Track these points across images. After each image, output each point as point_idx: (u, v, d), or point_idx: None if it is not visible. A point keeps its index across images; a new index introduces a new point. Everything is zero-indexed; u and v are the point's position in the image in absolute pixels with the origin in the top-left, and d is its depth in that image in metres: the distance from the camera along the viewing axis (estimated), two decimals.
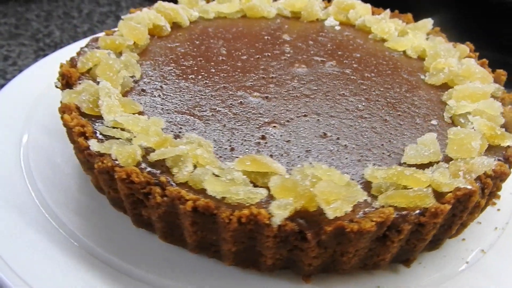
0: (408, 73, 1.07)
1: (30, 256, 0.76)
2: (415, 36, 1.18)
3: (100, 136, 0.80)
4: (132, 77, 0.97)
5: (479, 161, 0.76)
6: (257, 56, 1.09)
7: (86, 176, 0.91)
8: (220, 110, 0.90)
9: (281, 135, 0.85)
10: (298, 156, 0.81)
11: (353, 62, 1.09)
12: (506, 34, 1.54)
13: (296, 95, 0.96)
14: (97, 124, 0.83)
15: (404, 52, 1.16)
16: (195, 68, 1.03)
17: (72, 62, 1.00)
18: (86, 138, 0.80)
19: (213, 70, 1.02)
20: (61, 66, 0.97)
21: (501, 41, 1.49)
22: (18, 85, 1.14)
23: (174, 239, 0.79)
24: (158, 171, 0.74)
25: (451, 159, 0.80)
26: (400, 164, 0.80)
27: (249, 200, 0.68)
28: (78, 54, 1.04)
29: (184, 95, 0.94)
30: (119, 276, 0.76)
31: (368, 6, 1.31)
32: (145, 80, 0.98)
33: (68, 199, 0.88)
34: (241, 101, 0.93)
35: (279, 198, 0.68)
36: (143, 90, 0.95)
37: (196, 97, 0.93)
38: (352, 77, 1.04)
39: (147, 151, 0.76)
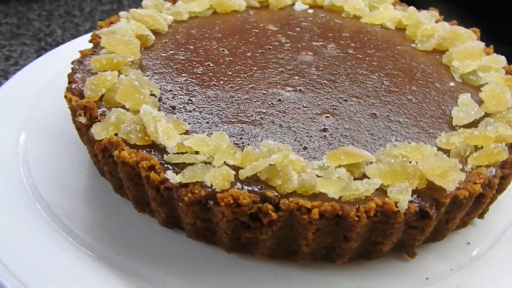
0: (399, 44, 1.13)
1: (28, 257, 0.74)
2: (386, 9, 1.24)
3: (168, 166, 0.72)
4: (152, 95, 0.87)
5: None
6: (260, 50, 1.05)
7: (87, 175, 0.91)
8: (266, 111, 0.87)
9: (339, 124, 0.85)
10: (367, 141, 0.81)
11: (349, 41, 1.11)
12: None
13: (325, 83, 0.96)
14: (154, 153, 0.74)
15: (382, 25, 1.21)
16: (210, 74, 0.96)
17: (73, 92, 0.87)
18: (155, 172, 0.70)
19: (230, 73, 0.97)
20: (69, 99, 0.83)
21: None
22: (17, 82, 1.11)
23: (283, 253, 0.75)
24: (257, 187, 0.69)
25: (488, 115, 0.88)
26: (454, 127, 0.85)
27: (366, 193, 0.68)
28: (71, 81, 0.90)
29: (219, 104, 0.88)
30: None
31: None
32: (167, 96, 0.89)
33: (69, 199, 0.86)
34: (279, 99, 0.90)
35: (392, 183, 0.69)
36: (173, 107, 0.86)
37: (233, 104, 0.88)
38: (359, 55, 1.06)
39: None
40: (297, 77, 0.97)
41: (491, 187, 0.74)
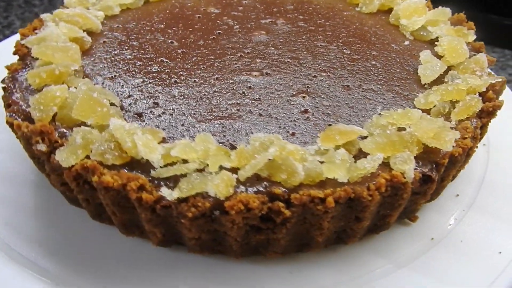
0: (344, 10, 1.12)
1: None
2: None
3: (159, 182, 0.65)
4: (112, 105, 0.78)
5: (478, 58, 0.88)
6: (211, 37, 0.99)
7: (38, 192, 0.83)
8: (240, 102, 0.82)
9: (317, 102, 0.82)
10: (350, 115, 0.80)
11: (296, 14, 1.08)
12: None
13: (288, 61, 0.92)
14: (136, 171, 0.66)
15: None
16: (167, 70, 0.88)
17: (17, 115, 0.75)
18: (147, 191, 0.63)
19: (188, 66, 0.90)
20: (17, 125, 0.72)
21: None
22: None
23: (296, 247, 0.72)
24: (261, 187, 0.65)
25: (450, 67, 0.90)
26: (423, 86, 0.86)
27: (372, 169, 0.66)
28: (9, 104, 0.78)
29: (189, 102, 0.81)
30: None
31: None
32: (128, 102, 0.80)
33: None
34: (249, 86, 0.85)
35: (393, 154, 0.68)
36: (138, 115, 0.78)
37: (203, 99, 0.82)
38: (311, 27, 1.03)
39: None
40: (259, 60, 0.92)
41: (476, 139, 0.77)
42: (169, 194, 0.62)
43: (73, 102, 0.74)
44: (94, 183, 0.64)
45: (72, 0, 1.05)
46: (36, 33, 0.95)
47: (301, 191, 0.63)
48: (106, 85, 0.84)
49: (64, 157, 0.66)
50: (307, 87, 0.85)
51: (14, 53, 0.91)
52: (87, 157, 0.67)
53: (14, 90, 0.80)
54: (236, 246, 0.68)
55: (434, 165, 0.69)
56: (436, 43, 0.95)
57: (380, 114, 0.75)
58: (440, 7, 1.03)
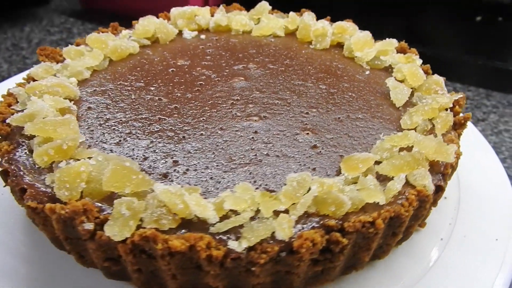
0: (300, 49, 1.23)
1: None
2: (269, 19, 1.32)
3: (220, 236, 0.67)
4: None
5: (436, 79, 1.03)
6: (196, 88, 1.02)
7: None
8: (254, 147, 0.86)
9: (321, 137, 0.90)
10: (352, 143, 0.89)
11: (261, 58, 1.16)
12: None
13: (278, 102, 0.99)
14: (192, 230, 0.68)
15: (273, 34, 1.29)
16: (171, 127, 0.90)
17: (41, 200, 0.72)
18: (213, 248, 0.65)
19: (189, 121, 0.92)
20: (50, 209, 0.69)
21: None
22: None
23: (345, 270, 0.77)
24: (314, 223, 0.70)
25: (414, 90, 1.04)
26: (398, 109, 0.99)
27: (399, 189, 0.75)
28: (24, 188, 0.74)
29: (207, 155, 0.84)
30: None
31: (206, 8, 1.36)
32: (148, 165, 0.81)
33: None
34: (254, 131, 0.90)
35: (410, 172, 0.78)
36: (164, 175, 0.79)
37: (219, 150, 0.85)
38: (281, 68, 1.12)
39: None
40: (251, 105, 0.97)
41: (458, 146, 0.90)
42: (237, 246, 0.64)
43: (98, 174, 0.73)
44: (159, 251, 0.63)
45: (38, 70, 1.01)
46: (14, 109, 0.90)
47: (352, 219, 0.69)
48: (115, 151, 0.83)
49: (117, 231, 0.65)
50: (305, 124, 0.92)
51: None
52: (140, 226, 0.66)
53: (21, 173, 0.76)
54: (297, 282, 0.72)
55: (441, 176, 0.80)
56: (393, 70, 1.09)
57: (382, 139, 0.85)
58: (386, 39, 1.18)
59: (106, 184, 0.71)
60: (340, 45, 1.24)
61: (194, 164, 0.81)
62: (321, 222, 0.69)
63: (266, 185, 0.77)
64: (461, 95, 0.97)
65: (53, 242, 0.81)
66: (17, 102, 0.92)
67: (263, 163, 0.82)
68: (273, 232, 0.67)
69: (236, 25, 1.29)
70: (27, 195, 0.71)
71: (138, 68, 1.09)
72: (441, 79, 1.02)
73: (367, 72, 1.12)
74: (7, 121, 0.85)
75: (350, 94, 1.03)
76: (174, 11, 1.32)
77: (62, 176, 0.72)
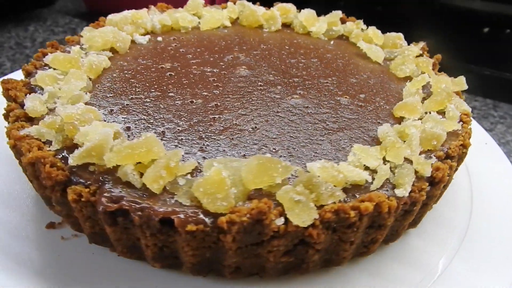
0: (257, 33, 1.28)
1: None
2: (211, 12, 1.33)
3: None
4: None
5: (392, 35, 1.23)
6: (215, 84, 1.00)
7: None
8: (316, 118, 0.91)
9: (356, 98, 1.00)
10: (376, 94, 1.01)
11: (237, 47, 1.17)
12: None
13: (296, 80, 1.04)
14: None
15: (222, 25, 1.30)
16: (235, 124, 0.88)
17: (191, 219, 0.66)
18: None
19: (244, 113, 0.91)
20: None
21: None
22: None
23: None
24: None
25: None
26: (381, 64, 1.16)
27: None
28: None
29: (293, 139, 0.85)
30: None
31: (144, 10, 1.29)
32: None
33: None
34: (305, 106, 0.95)
35: (449, 103, 0.95)
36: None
37: (297, 137, 0.88)
38: (265, 53, 1.15)
39: None
40: (280, 86, 1.01)
41: None
42: (403, 192, 0.71)
43: (237, 177, 0.69)
44: (351, 219, 0.66)
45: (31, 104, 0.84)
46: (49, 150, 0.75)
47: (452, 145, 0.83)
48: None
49: (305, 217, 0.65)
50: (336, 89, 1.01)
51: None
52: None
53: (141, 206, 0.66)
54: (349, 251, 0.77)
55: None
56: (348, 37, 1.25)
57: (406, 85, 1.00)
58: (332, 12, 1.32)
59: (254, 182, 0.68)
60: (285, 25, 1.33)
61: (292, 146, 0.82)
62: (434, 155, 0.80)
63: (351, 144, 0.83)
64: (423, 43, 1.19)
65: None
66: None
67: (338, 128, 0.88)
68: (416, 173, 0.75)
69: (184, 22, 1.26)
70: (189, 229, 0.63)
71: (133, 80, 0.99)
72: (399, 34, 1.22)
73: (332, 42, 1.25)
74: (70, 163, 0.70)
75: (339, 61, 1.15)
76: (113, 17, 1.21)
77: (208, 189, 0.65)
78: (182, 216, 0.64)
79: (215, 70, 1.04)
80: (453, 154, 0.82)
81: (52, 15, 2.02)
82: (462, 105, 0.95)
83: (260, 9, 1.33)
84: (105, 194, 0.67)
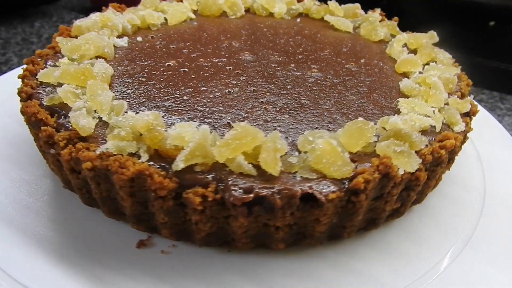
0: (225, 21, 1.28)
1: None
2: (171, 6, 1.31)
3: None
4: None
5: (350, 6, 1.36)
6: (235, 71, 1.02)
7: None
8: (337, 88, 1.00)
9: (359, 64, 1.10)
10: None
11: (223, 35, 1.19)
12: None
13: (300, 57, 1.10)
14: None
15: (188, 18, 1.30)
16: (273, 100, 0.92)
17: None
18: None
19: (279, 91, 0.95)
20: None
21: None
22: None
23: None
24: None
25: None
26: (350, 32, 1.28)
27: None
28: None
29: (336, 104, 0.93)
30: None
31: (109, 10, 1.22)
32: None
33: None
34: (323, 78, 1.02)
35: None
36: None
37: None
38: (253, 36, 1.19)
39: None
40: (293, 64, 1.06)
41: None
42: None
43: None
44: None
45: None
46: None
47: None
48: None
49: (413, 163, 0.74)
50: (339, 66, 1.10)
51: None
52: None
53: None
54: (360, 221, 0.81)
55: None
56: (307, 14, 1.34)
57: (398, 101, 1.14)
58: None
59: (357, 144, 0.75)
60: (246, 10, 1.38)
61: (345, 112, 0.89)
62: (456, 96, 0.95)
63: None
64: (379, 9, 1.34)
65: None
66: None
67: (368, 91, 0.98)
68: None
69: (152, 19, 1.22)
70: (330, 198, 0.67)
71: (152, 82, 0.95)
72: (356, 4, 1.35)
73: (298, 20, 1.34)
74: (176, 168, 0.68)
75: (318, 35, 1.24)
76: (82, 23, 1.12)
77: (328, 159, 0.70)
78: (320, 188, 0.67)
79: (223, 60, 1.05)
80: (465, 92, 0.98)
81: (57, 10, 2.06)
82: (444, 53, 1.12)
83: None
84: (233, 188, 0.66)
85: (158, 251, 0.79)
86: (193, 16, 1.29)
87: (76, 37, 1.09)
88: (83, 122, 0.75)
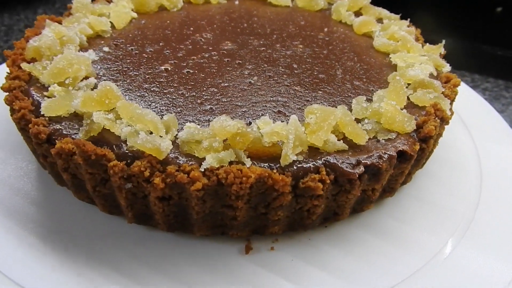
0: (207, 8, 1.26)
1: None
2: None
3: None
4: None
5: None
6: (226, 60, 1.03)
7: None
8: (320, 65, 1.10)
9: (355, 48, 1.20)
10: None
11: (193, 25, 1.15)
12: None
13: (280, 39, 1.15)
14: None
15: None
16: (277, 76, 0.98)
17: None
18: None
19: (292, 73, 1.01)
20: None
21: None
22: None
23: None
24: None
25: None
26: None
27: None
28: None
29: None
30: None
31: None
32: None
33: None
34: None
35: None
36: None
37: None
38: (227, 22, 1.18)
39: None
40: (278, 45, 1.11)
41: None
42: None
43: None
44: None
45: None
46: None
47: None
48: None
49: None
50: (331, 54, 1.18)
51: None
52: None
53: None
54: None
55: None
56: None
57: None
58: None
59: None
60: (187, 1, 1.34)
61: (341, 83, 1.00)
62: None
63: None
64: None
65: None
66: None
67: (342, 60, 1.09)
68: None
69: (102, 26, 1.12)
70: (416, 149, 0.77)
71: (170, 89, 0.92)
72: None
73: (236, 2, 1.36)
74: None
75: (268, 13, 1.29)
76: (41, 44, 0.98)
77: (386, 121, 0.81)
78: (404, 144, 0.77)
79: (213, 53, 1.04)
80: (421, 40, 1.16)
81: None
82: (383, 9, 1.27)
83: None
84: (342, 165, 0.72)
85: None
86: (135, 15, 1.22)
87: (34, 60, 0.97)
88: (165, 144, 0.71)
